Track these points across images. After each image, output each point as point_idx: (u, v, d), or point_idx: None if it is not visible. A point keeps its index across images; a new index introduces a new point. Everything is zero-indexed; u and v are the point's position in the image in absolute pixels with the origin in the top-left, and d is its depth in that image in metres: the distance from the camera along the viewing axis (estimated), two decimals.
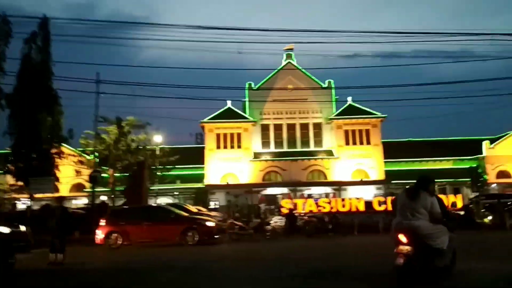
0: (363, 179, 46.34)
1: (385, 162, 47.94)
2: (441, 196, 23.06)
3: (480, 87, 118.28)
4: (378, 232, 21.22)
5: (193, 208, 29.21)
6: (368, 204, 22.98)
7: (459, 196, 22.76)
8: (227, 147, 47.29)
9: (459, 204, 22.36)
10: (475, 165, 45.29)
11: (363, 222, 21.90)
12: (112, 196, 26.12)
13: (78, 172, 24.47)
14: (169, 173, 40.51)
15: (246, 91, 48.95)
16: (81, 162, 24.52)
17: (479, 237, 18.16)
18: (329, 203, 23.03)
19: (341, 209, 22.88)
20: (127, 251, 16.88)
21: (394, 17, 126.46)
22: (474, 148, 49.59)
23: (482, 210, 20.33)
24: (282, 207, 23.44)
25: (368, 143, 47.74)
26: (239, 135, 47.59)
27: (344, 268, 10.53)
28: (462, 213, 20.72)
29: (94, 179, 20.75)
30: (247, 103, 48.92)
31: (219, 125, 47.30)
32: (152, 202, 39.86)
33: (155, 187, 38.78)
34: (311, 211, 22.87)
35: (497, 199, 22.82)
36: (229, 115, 47.87)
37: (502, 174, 48.75)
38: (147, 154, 25.77)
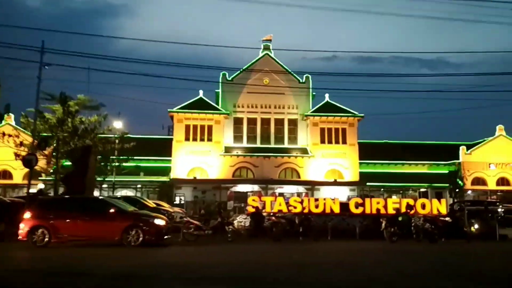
0: (337, 180, 43.89)
1: (360, 163, 45.67)
2: (424, 200, 20.60)
3: (459, 96, 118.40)
4: (355, 238, 18.53)
5: (151, 203, 26.03)
6: (344, 205, 20.27)
7: (444, 202, 20.33)
8: (196, 140, 44.05)
9: (443, 210, 19.93)
10: (454, 170, 43.37)
11: (337, 225, 19.18)
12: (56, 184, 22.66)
13: (17, 156, 20.87)
14: (131, 164, 37.02)
15: (220, 82, 45.86)
16: (21, 144, 20.94)
17: (470, 248, 15.65)
18: (301, 202, 20.20)
19: (314, 210, 20.08)
20: (51, 250, 13.62)
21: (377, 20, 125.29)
22: (450, 153, 47.90)
23: (472, 220, 17.92)
24: (248, 205, 20.49)
25: (344, 142, 45.32)
26: (210, 127, 44.42)
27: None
28: (447, 219, 18.26)
29: (29, 163, 17.33)
30: (220, 95, 45.80)
31: (189, 116, 44.01)
32: (107, 194, 36.45)
33: (113, 179, 35.26)
34: (280, 211, 19.98)
35: (483, 206, 20.48)
36: (201, 105, 44.63)
37: (477, 181, 47.14)
38: (96, 138, 22.41)
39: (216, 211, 18.04)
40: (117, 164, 31.33)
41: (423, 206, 19.95)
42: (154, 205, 25.59)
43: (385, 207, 19.95)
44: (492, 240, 18.19)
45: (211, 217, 20.23)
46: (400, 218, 17.01)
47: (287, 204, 20.20)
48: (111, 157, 30.41)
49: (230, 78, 45.90)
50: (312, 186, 43.27)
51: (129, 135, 37.59)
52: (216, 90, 46.44)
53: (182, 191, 42.65)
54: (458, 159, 47.21)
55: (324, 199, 20.57)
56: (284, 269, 10.19)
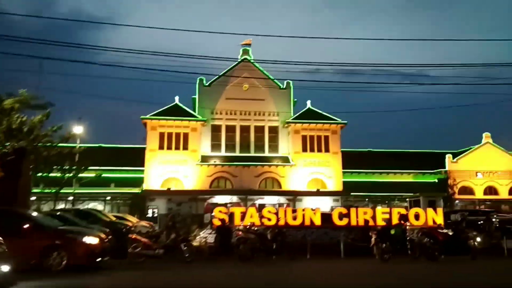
0: (320, 189, 40.71)
1: (343, 172, 42.63)
2: (418, 210, 17.46)
3: (442, 103, 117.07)
4: (339, 255, 15.23)
5: (110, 216, 22.45)
6: (327, 217, 17.02)
7: (440, 211, 17.24)
8: (171, 148, 40.51)
9: (439, 221, 16.83)
10: (444, 177, 40.58)
11: (318, 240, 15.88)
12: None
13: None
14: (90, 175, 33.05)
15: (197, 87, 42.64)
16: None
17: (480, 267, 12.47)
18: (276, 214, 16.89)
19: (292, 223, 16.80)
20: None
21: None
22: (436, 162, 45.32)
23: (474, 233, 14.83)
24: (214, 217, 17.11)
25: (327, 150, 42.25)
26: (185, 135, 40.98)
27: None
28: (445, 231, 15.12)
29: None
30: (197, 101, 42.50)
31: (163, 123, 40.53)
32: (68, 206, 32.67)
33: (72, 190, 31.44)
34: (253, 224, 16.61)
35: (485, 215, 17.45)
36: (176, 112, 41.22)
37: (464, 190, 44.47)
38: (37, 139, 18.96)
39: (169, 225, 14.60)
40: (70, 174, 27.61)
41: (417, 217, 16.85)
42: (114, 219, 22.06)
43: (374, 218, 16.77)
44: (499, 256, 15.09)
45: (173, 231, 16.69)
46: (392, 231, 13.85)
47: (260, 215, 16.87)
48: (65, 166, 26.70)
49: (207, 84, 42.71)
50: (294, 196, 40.01)
51: (80, 144, 33.16)
52: (193, 96, 43.16)
53: (155, 203, 38.93)
54: (445, 167, 44.58)
55: (303, 209, 17.29)
56: None
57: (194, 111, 42.28)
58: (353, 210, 16.97)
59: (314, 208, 17.87)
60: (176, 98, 42.14)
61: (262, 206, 31.01)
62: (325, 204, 37.20)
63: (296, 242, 15.44)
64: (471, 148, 46.33)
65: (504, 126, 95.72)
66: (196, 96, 42.61)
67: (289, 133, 42.47)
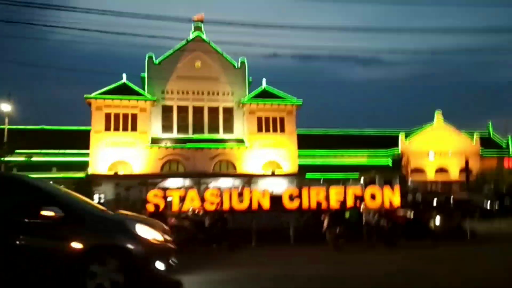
0: (275, 172, 39.03)
1: (299, 154, 41.12)
2: (374, 189, 15.87)
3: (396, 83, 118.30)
4: (288, 242, 13.37)
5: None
6: (276, 199, 15.10)
7: (397, 190, 15.71)
8: (118, 130, 37.44)
9: (396, 201, 15.31)
10: (397, 156, 39.80)
11: (266, 226, 13.95)
12: None
13: None
14: (18, 158, 29.31)
15: (146, 65, 39.53)
16: None
17: (445, 253, 10.89)
18: (220, 196, 14.80)
19: (238, 206, 14.78)
20: None
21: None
22: (390, 142, 44.63)
23: (434, 214, 13.36)
24: (148, 202, 14.83)
25: (282, 131, 40.52)
26: (134, 116, 37.97)
27: None
28: (407, 213, 13.55)
29: None
30: (146, 80, 39.43)
31: (109, 102, 37.29)
32: None
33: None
34: (194, 210, 14.44)
35: (445, 196, 16.11)
36: (124, 91, 38.05)
37: (416, 170, 44.13)
38: None
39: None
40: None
41: (373, 197, 15.23)
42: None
43: (327, 199, 15.01)
44: (461, 240, 13.73)
45: None
46: (347, 214, 12.10)
47: (202, 199, 14.73)
48: None
49: (157, 61, 39.67)
50: (249, 179, 38.00)
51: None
52: (142, 74, 40.00)
53: (102, 188, 35.82)
54: (397, 147, 44.00)
55: (251, 191, 15.27)
56: None
57: (144, 90, 39.23)
58: (304, 191, 15.14)
59: (263, 190, 15.93)
60: (124, 76, 38.92)
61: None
62: (281, 186, 35.53)
63: (242, 228, 13.44)
64: (423, 127, 45.93)
65: (457, 104, 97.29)
66: (145, 74, 39.52)
67: (244, 113, 40.36)
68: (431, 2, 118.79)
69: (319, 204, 14.59)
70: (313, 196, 15.04)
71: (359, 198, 13.45)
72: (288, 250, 12.38)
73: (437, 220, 14.24)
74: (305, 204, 14.97)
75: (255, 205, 14.71)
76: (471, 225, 15.20)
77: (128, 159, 37.28)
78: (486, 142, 46.12)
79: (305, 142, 41.76)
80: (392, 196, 15.57)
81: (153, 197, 14.72)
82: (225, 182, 37.88)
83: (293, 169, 39.92)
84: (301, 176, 39.42)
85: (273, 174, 38.88)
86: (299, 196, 15.10)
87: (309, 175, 39.30)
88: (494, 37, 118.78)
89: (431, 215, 12.93)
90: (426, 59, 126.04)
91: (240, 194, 14.94)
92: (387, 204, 15.35)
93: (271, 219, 14.40)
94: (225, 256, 11.33)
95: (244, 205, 14.66)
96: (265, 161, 39.83)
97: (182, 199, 14.67)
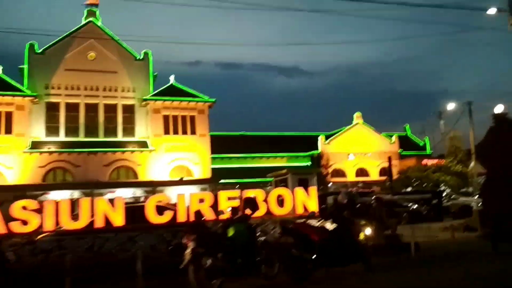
0: (184, 178, 33.42)
1: (212, 158, 36.04)
2: (282, 191, 11.17)
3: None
4: (133, 279, 7.96)
5: None
6: (138, 211, 9.66)
7: (313, 191, 11.14)
8: None
9: (313, 206, 10.71)
10: (316, 157, 36.21)
11: (113, 255, 8.44)
12: None
13: None
14: None
15: (26, 55, 32.16)
16: None
17: None
18: (38, 211, 9.09)
19: (71, 226, 9.19)
20: None
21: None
22: (310, 144, 41.28)
23: (361, 223, 8.85)
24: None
25: (193, 132, 35.15)
26: (9, 114, 30.48)
27: None
28: (326, 225, 8.81)
29: None
30: (26, 72, 32.03)
31: None
32: None
33: None
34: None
35: (376, 199, 11.77)
36: None
37: (337, 172, 41.10)
38: None
39: None
40: None
41: (280, 202, 10.50)
42: None
43: (215, 207, 9.94)
44: (403, 258, 9.33)
45: None
46: (230, 232, 6.95)
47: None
48: None
49: (40, 51, 32.46)
50: (153, 187, 31.96)
51: None
52: (21, 66, 32.51)
53: None
54: (317, 149, 40.66)
55: (92, 200, 9.68)
56: None
57: (23, 85, 31.79)
58: (181, 198, 9.89)
59: (113, 198, 10.51)
60: None
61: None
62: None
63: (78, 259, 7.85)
64: (343, 129, 43.21)
65: (375, 110, 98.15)
66: (25, 66, 32.11)
67: (148, 112, 34.41)
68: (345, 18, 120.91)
69: (199, 215, 9.38)
70: (194, 204, 9.88)
71: (250, 204, 8.38)
72: None
73: (367, 231, 9.75)
74: (181, 217, 9.74)
75: (99, 223, 9.17)
76: (406, 233, 11.04)
77: (0, 167, 29.60)
78: (405, 143, 44.53)
79: (219, 145, 36.94)
80: (306, 199, 10.95)
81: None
82: (124, 192, 31.64)
83: (206, 174, 34.67)
84: (214, 182, 34.40)
85: (181, 181, 33.22)
86: (174, 205, 9.85)
87: (223, 181, 34.37)
88: (409, 48, 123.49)
89: (357, 225, 8.28)
90: (345, 70, 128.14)
91: (72, 207, 9.32)
92: (300, 211, 10.71)
93: (124, 243, 8.98)
94: None
95: (81, 223, 9.07)
96: (173, 166, 34.20)
97: None
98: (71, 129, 32.46)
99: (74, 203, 9.74)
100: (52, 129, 32.00)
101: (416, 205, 22.16)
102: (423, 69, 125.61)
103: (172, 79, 35.88)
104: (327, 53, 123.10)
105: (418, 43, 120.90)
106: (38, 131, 31.47)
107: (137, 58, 34.98)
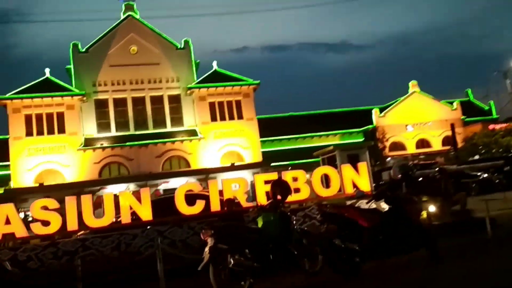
0: (235, 163, 32.72)
1: (262, 141, 35.01)
2: (326, 169, 9.76)
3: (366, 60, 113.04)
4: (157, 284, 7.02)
5: None
6: (168, 203, 8.78)
7: (363, 167, 9.65)
8: (43, 133, 30.71)
9: (364, 185, 9.26)
10: (371, 128, 34.11)
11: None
12: None
13: None
14: None
15: (70, 55, 32.77)
16: None
17: None
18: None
19: (93, 224, 8.48)
20: None
21: None
22: (363, 119, 38.89)
23: (423, 199, 7.38)
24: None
25: (240, 117, 34.27)
26: (60, 115, 31.26)
27: None
28: (378, 207, 7.39)
29: None
30: (72, 72, 32.66)
31: (28, 102, 30.50)
32: None
33: None
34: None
35: (439, 170, 10.04)
36: (48, 88, 31.27)
37: (395, 146, 38.50)
38: None
39: None
40: None
41: (326, 182, 9.15)
42: None
43: (253, 194, 8.82)
44: (478, 236, 7.71)
45: None
46: (260, 222, 5.80)
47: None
48: None
49: (84, 50, 32.91)
50: (206, 175, 31.67)
51: None
52: (67, 66, 33.20)
53: (29, 204, 29.05)
54: (372, 124, 38.25)
55: (117, 194, 8.88)
56: None
57: (71, 84, 32.47)
58: (213, 185, 8.84)
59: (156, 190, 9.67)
60: (47, 71, 32.14)
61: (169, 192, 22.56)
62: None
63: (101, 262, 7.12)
64: (398, 100, 40.32)
65: (431, 77, 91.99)
66: (71, 66, 32.74)
67: (194, 101, 33.93)
68: None
69: (232, 203, 8.26)
70: (228, 190, 8.79)
71: (283, 187, 6.90)
72: None
73: (432, 207, 8.20)
74: (214, 206, 8.70)
75: (125, 219, 8.37)
76: (477, 207, 9.28)
77: (57, 167, 30.59)
78: (468, 109, 40.77)
79: (268, 128, 35.79)
80: (356, 177, 9.48)
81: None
82: (178, 182, 31.58)
83: (256, 158, 33.74)
84: (266, 165, 33.43)
85: (232, 166, 32.58)
86: (203, 196, 8.82)
87: (275, 164, 33.29)
88: (464, 10, 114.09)
89: (417, 203, 6.65)
90: (396, 40, 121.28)
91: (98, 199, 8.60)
92: (349, 190, 9.31)
93: (152, 240, 8.10)
94: None
95: (106, 221, 8.32)
96: (223, 152, 33.65)
97: None
98: (121, 124, 32.80)
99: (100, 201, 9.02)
100: (103, 125, 32.52)
101: (486, 174, 19.74)
102: (480, 32, 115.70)
103: (215, 65, 35.10)
104: (376, 25, 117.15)
105: (473, 3, 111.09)
106: (90, 129, 32.09)
107: (178, 47, 34.49)
